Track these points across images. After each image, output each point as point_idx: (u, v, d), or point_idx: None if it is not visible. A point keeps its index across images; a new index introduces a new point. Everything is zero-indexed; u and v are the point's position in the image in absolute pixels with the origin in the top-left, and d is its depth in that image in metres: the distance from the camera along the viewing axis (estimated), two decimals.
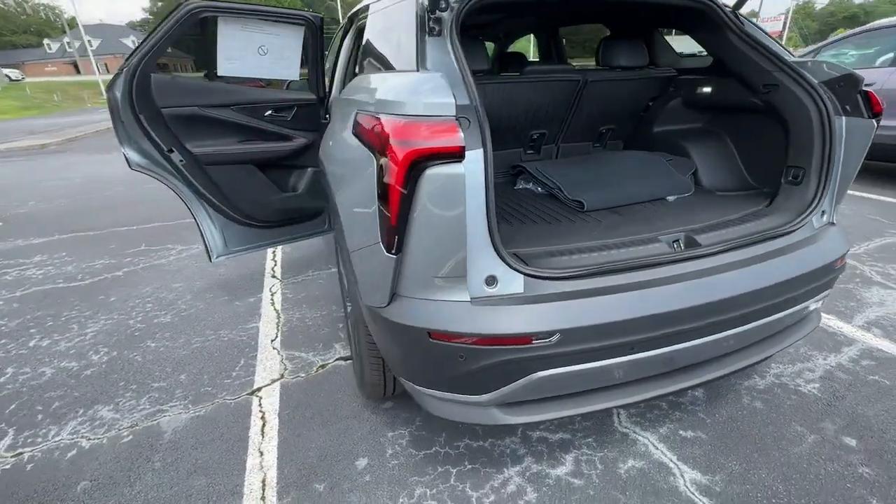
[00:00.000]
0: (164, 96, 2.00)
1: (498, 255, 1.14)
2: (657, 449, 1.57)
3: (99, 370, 2.13)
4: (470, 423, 1.28)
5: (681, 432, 1.64)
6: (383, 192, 1.07)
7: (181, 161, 2.19)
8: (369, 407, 1.83)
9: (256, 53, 2.22)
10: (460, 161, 1.00)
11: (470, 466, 1.54)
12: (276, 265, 3.25)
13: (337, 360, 2.15)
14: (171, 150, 2.15)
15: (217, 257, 2.50)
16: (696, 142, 1.98)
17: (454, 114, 1.00)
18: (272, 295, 2.82)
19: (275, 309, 2.64)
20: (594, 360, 1.17)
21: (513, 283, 1.17)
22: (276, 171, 2.49)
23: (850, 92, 1.46)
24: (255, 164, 2.37)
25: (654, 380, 1.32)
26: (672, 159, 1.93)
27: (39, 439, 1.72)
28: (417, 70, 1.18)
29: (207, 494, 1.46)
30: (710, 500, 1.37)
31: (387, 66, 1.38)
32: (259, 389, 1.96)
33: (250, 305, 2.69)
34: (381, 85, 1.22)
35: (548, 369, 1.16)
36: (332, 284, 2.91)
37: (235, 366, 2.13)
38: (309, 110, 2.43)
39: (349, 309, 1.98)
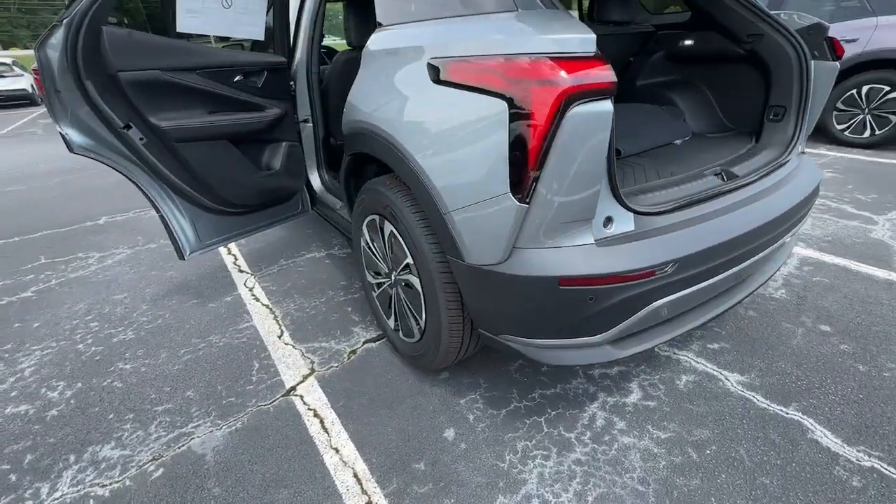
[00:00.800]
0: (122, 56, 1.60)
1: (614, 195, 1.16)
2: (699, 363, 1.78)
3: (68, 408, 1.72)
4: (585, 364, 1.32)
5: (709, 346, 1.88)
6: (521, 138, 1.02)
7: (141, 140, 1.79)
8: (426, 381, 1.76)
9: (220, 6, 1.88)
10: (609, 98, 0.99)
11: (554, 413, 1.59)
12: (236, 259, 2.87)
13: (365, 343, 2.01)
14: (127, 127, 1.74)
15: (191, 254, 2.13)
16: (679, 91, 2.19)
17: (596, 49, 0.98)
18: (251, 290, 2.50)
19: (263, 304, 2.35)
20: (695, 284, 1.28)
21: (626, 222, 1.21)
22: (249, 148, 2.17)
23: (818, 38, 1.74)
24: (230, 139, 2.04)
25: (720, 297, 1.49)
26: (664, 108, 2.13)
27: (30, 503, 1.35)
28: (516, 10, 1.12)
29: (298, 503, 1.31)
30: (756, 394, 1.61)
31: (455, 9, 1.27)
32: (294, 388, 1.76)
33: (230, 305, 2.36)
34: (506, 26, 1.11)
35: (663, 298, 1.24)
36: (316, 270, 2.67)
37: (250, 370, 1.87)
38: (280, 76, 2.15)
39: (378, 284, 1.86)
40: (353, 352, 1.96)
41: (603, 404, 1.61)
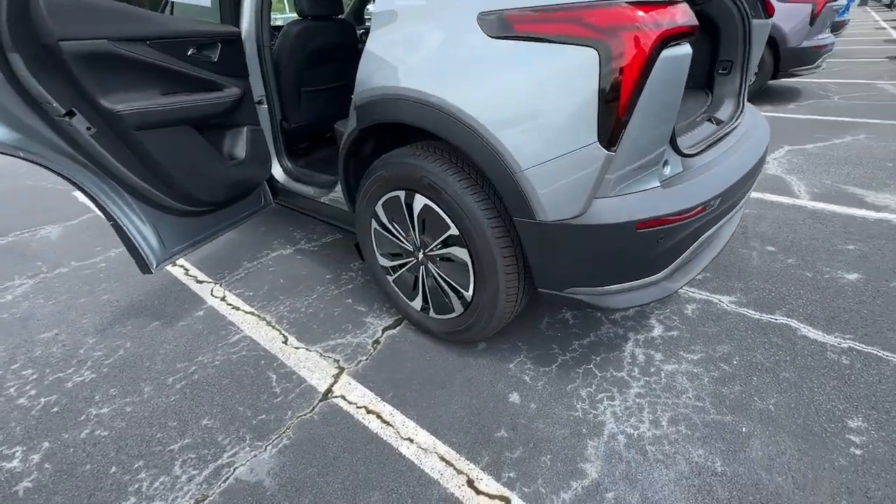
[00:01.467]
0: (63, 20, 1.24)
1: (669, 139, 1.24)
2: (694, 293, 2.01)
3: (44, 475, 1.37)
4: (647, 302, 1.41)
5: (697, 277, 2.13)
6: (612, 86, 1.03)
7: (89, 129, 1.44)
8: (467, 354, 1.74)
9: None
10: (690, 40, 1.05)
11: (599, 358, 1.68)
12: (187, 270, 2.48)
13: (385, 331, 1.90)
14: (70, 114, 1.38)
15: (158, 266, 1.79)
16: None
17: None
18: (223, 299, 2.19)
19: (247, 312, 2.09)
20: (725, 217, 1.44)
21: (676, 163, 1.31)
22: (210, 135, 1.87)
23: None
24: (192, 125, 1.73)
25: (724, 231, 1.69)
26: None
27: None
28: None
29: (395, 501, 1.22)
30: (748, 309, 1.88)
31: None
32: (330, 391, 1.61)
33: (205, 319, 2.05)
34: None
35: (708, 230, 1.37)
36: (291, 267, 2.43)
37: (268, 383, 1.67)
38: (234, 49, 1.88)
39: (395, 268, 1.77)
40: (377, 342, 1.84)
41: (636, 342, 1.75)
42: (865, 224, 2.48)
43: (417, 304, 1.79)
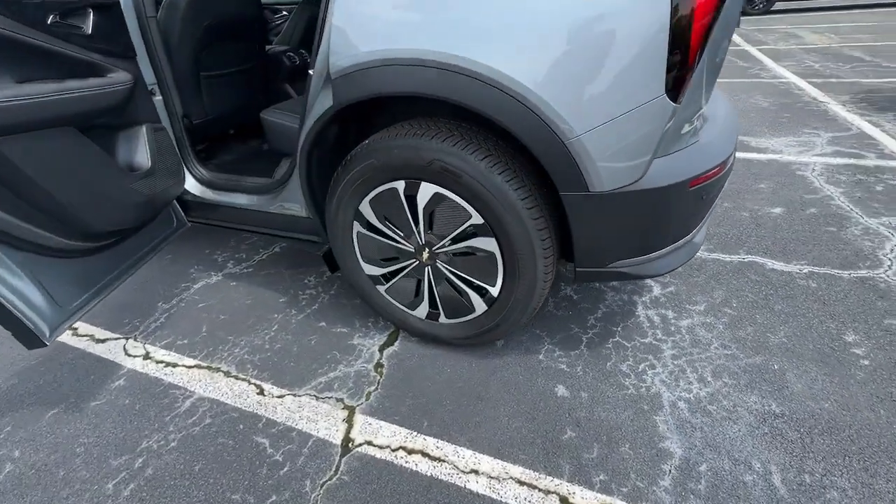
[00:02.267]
0: None
1: None
2: None
3: None
4: (683, 264, 1.36)
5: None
6: (682, 33, 0.91)
7: None
8: (489, 357, 1.55)
9: None
10: None
11: (619, 328, 1.63)
12: (76, 329, 1.84)
13: (383, 349, 1.61)
14: None
15: (54, 333, 1.24)
16: None
17: None
18: (147, 357, 1.66)
19: (189, 366, 1.60)
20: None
21: (702, 116, 1.26)
22: (98, 138, 1.35)
23: None
24: (75, 125, 1.21)
25: None
26: None
27: None
28: None
29: None
30: (719, 254, 2.01)
31: None
32: (348, 440, 1.30)
33: (132, 390, 1.52)
34: None
35: (723, 186, 1.37)
36: (228, 298, 1.95)
37: (261, 450, 1.28)
38: (111, 18, 1.38)
39: (387, 275, 1.50)
40: (379, 366, 1.55)
41: (644, 304, 1.74)
42: (761, 165, 2.86)
43: (422, 311, 1.54)
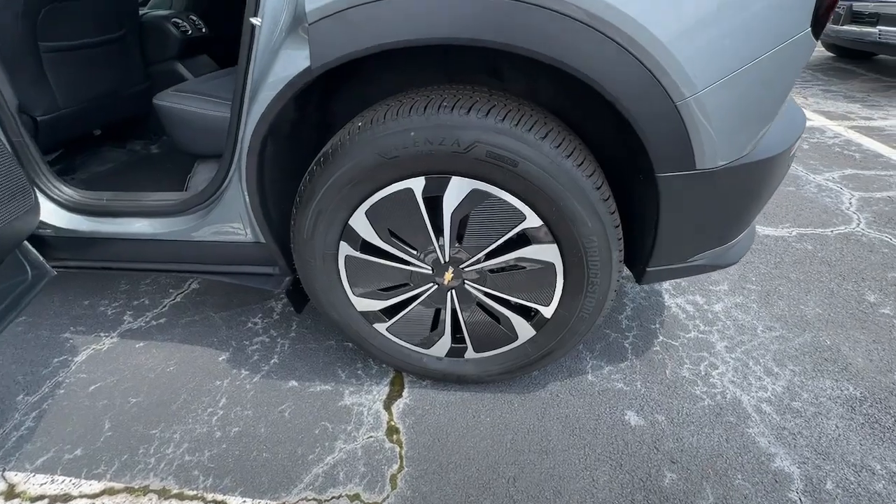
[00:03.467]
0: None
1: None
2: None
3: None
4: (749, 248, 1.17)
5: None
6: None
7: None
8: (527, 392, 1.23)
9: None
10: None
11: (658, 325, 1.42)
12: None
13: (390, 404, 1.20)
14: None
15: None
16: None
17: None
18: (12, 494, 1.04)
19: (92, 497, 1.03)
20: None
21: None
22: None
23: None
24: None
25: None
26: None
27: None
28: None
29: None
30: None
31: None
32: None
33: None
34: None
35: None
36: (135, 370, 1.36)
37: None
38: None
39: (393, 308, 1.10)
40: (393, 431, 1.14)
41: (670, 293, 1.56)
42: None
43: (441, 348, 1.17)
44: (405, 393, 1.25)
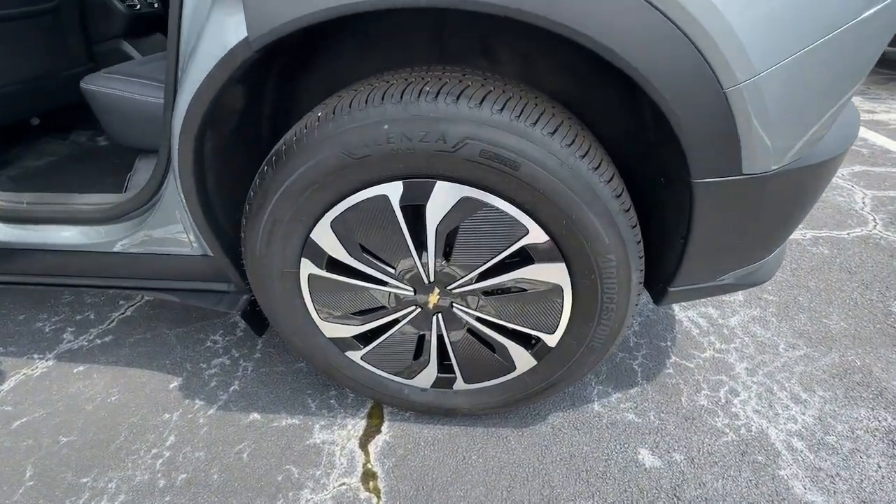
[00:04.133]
0: None
1: None
2: None
3: None
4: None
5: None
6: None
7: None
8: (526, 426, 1.07)
9: None
10: None
11: (669, 343, 1.27)
12: None
13: (365, 444, 1.04)
14: None
15: None
16: None
17: None
18: None
19: None
20: None
21: None
22: None
23: None
24: None
25: None
26: None
27: None
28: None
29: None
30: None
31: None
32: None
33: None
34: None
35: None
36: (69, 402, 1.17)
37: None
38: None
39: (371, 333, 0.92)
40: (370, 476, 0.97)
41: (681, 306, 1.41)
42: None
43: (425, 378, 1.00)
44: (384, 427, 1.08)
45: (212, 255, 0.95)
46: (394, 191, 0.72)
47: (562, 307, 0.82)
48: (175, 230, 0.95)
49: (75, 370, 1.26)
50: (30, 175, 1.39)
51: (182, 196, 0.83)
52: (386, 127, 0.65)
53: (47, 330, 1.41)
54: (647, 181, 0.86)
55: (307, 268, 0.84)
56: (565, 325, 0.84)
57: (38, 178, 1.36)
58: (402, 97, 0.65)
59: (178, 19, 0.68)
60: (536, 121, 0.65)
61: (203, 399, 1.17)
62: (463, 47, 0.83)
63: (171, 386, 1.21)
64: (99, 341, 1.36)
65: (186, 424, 1.10)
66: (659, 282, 0.89)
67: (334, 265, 0.84)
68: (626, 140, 0.87)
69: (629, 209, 0.73)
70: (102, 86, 1.03)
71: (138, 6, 1.58)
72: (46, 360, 1.30)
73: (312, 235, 0.79)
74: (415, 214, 0.75)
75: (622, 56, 0.58)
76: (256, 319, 1.07)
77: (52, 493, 0.97)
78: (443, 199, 0.72)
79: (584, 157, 0.67)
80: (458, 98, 0.64)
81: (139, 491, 0.97)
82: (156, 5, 1.66)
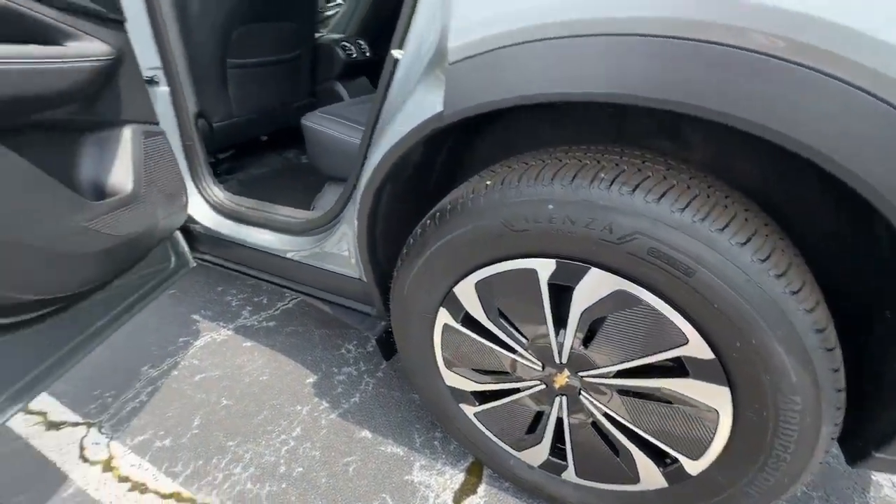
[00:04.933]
0: None
1: None
2: None
3: None
4: None
5: None
6: None
7: None
8: None
9: None
10: None
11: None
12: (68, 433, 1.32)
13: (458, 498, 1.02)
14: None
15: None
16: None
17: None
18: (108, 466, 1.12)
19: (185, 499, 1.05)
20: None
21: None
22: (45, 147, 0.82)
23: None
24: None
25: None
26: None
27: None
28: None
29: None
30: None
31: None
32: None
33: None
34: None
35: None
36: (235, 371, 1.40)
37: None
38: None
39: (501, 394, 0.90)
40: None
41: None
42: None
43: (535, 456, 0.94)
44: (481, 490, 1.05)
45: (365, 280, 1.05)
46: (544, 268, 0.70)
47: (714, 435, 0.69)
48: (342, 252, 1.08)
49: (244, 344, 1.52)
50: (252, 180, 1.75)
51: (355, 228, 0.94)
52: (551, 207, 0.65)
53: (233, 304, 1.73)
54: (863, 310, 0.68)
55: (443, 317, 0.88)
56: (715, 456, 0.71)
57: (255, 184, 1.71)
58: (573, 180, 0.64)
59: (386, 86, 0.79)
60: (725, 226, 0.57)
61: (328, 402, 1.29)
62: (646, 128, 0.79)
63: (307, 381, 1.37)
64: (265, 324, 1.62)
65: (311, 421, 1.23)
66: (860, 439, 0.69)
67: (469, 321, 0.86)
68: (844, 254, 0.71)
69: (833, 349, 0.59)
70: (317, 123, 1.25)
71: (354, 55, 1.91)
72: (227, 329, 1.60)
73: (455, 290, 0.82)
74: (560, 293, 0.73)
75: (843, 165, 0.48)
76: (388, 346, 1.14)
77: (206, 447, 1.17)
78: (595, 286, 0.68)
79: (780, 276, 0.57)
80: (634, 189, 0.60)
81: (265, 469, 1.10)
82: (367, 54, 1.98)
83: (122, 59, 0.94)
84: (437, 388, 0.99)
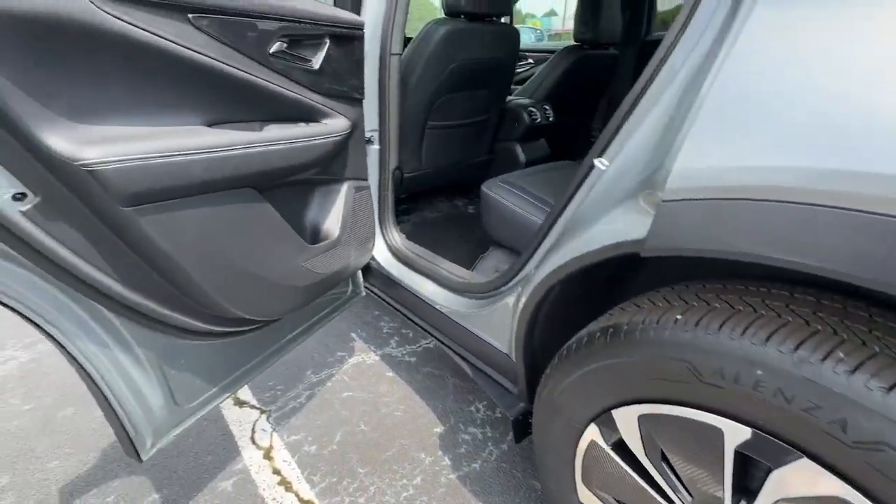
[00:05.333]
0: None
1: None
2: None
3: None
4: None
5: None
6: None
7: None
8: None
9: None
10: None
11: None
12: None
13: None
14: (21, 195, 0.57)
15: (153, 448, 0.93)
16: None
17: None
18: (267, 454, 1.32)
19: (303, 501, 1.19)
20: None
21: None
22: (283, 199, 1.04)
23: None
24: (256, 185, 0.90)
25: None
26: None
27: None
28: None
29: None
30: None
31: None
32: None
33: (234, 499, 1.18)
34: None
35: None
36: (375, 396, 1.53)
37: None
38: (349, 52, 1.05)
39: None
40: None
41: None
42: None
43: None
44: None
45: (514, 360, 1.05)
46: (735, 433, 0.60)
47: None
48: (496, 324, 1.10)
49: (387, 373, 1.66)
50: (424, 224, 1.92)
51: (519, 310, 0.95)
52: (759, 373, 0.55)
53: (384, 331, 1.90)
54: None
55: (592, 433, 0.82)
56: None
57: (427, 228, 1.87)
58: (797, 349, 0.54)
59: (576, 189, 0.79)
60: None
61: (450, 459, 1.31)
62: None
63: (435, 430, 1.41)
64: (407, 358, 1.74)
65: (431, 476, 1.26)
66: None
67: (621, 448, 0.78)
68: None
69: None
70: (496, 193, 1.32)
71: (538, 119, 1.97)
72: (376, 355, 1.76)
73: (614, 412, 0.76)
74: (745, 463, 0.61)
75: None
76: (521, 429, 1.11)
77: (341, 466, 1.29)
78: (804, 479, 0.55)
79: None
80: (890, 389, 0.48)
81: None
82: (550, 119, 2.02)
83: (355, 129, 1.13)
84: (568, 499, 0.92)
